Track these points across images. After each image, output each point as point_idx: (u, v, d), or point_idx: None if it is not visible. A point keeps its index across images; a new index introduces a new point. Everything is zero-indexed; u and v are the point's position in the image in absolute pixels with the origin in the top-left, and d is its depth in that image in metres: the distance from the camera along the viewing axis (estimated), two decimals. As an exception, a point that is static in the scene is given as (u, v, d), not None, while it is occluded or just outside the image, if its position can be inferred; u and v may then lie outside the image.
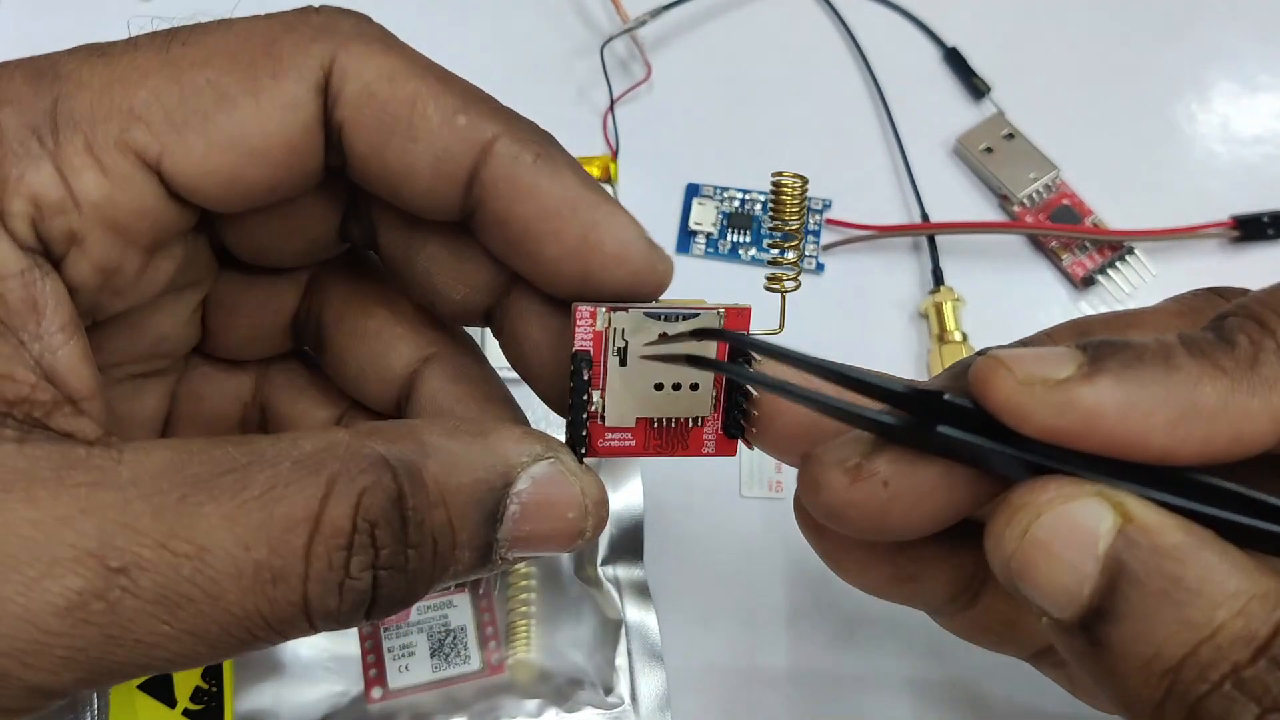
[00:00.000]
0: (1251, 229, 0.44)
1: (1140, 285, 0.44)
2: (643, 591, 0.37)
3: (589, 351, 0.23)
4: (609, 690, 0.36)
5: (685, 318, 0.23)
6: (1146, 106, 0.48)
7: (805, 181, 0.23)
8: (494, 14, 0.50)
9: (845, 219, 0.45)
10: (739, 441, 0.24)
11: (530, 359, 0.25)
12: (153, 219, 0.22)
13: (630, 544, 0.38)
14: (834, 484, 0.21)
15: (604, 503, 0.23)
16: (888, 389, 0.21)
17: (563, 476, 0.22)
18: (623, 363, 0.23)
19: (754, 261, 0.45)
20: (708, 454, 0.24)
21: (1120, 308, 0.43)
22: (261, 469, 0.19)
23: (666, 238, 0.45)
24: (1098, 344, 0.19)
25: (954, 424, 0.20)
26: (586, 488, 0.22)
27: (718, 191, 0.46)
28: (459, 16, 0.49)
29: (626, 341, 0.23)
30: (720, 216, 0.45)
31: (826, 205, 0.45)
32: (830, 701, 0.37)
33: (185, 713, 0.35)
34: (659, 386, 0.23)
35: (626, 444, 0.24)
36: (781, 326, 0.24)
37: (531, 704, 0.36)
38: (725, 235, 0.45)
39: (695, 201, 0.46)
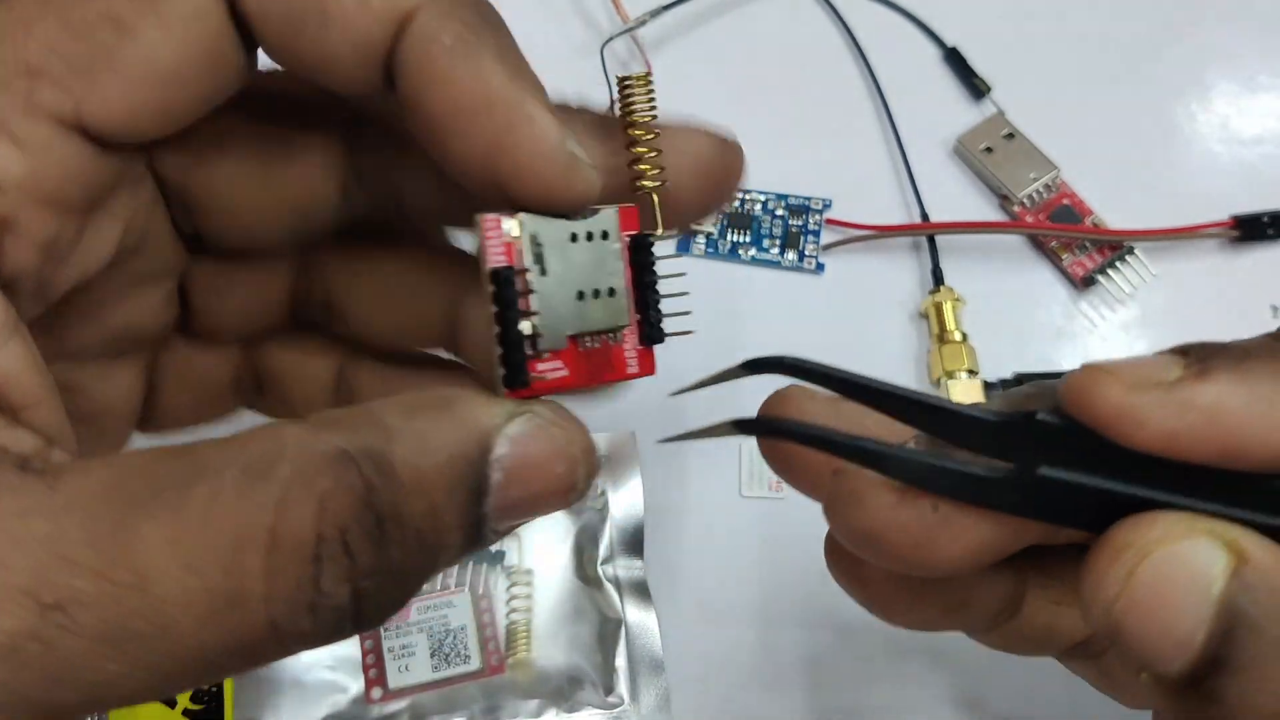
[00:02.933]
0: (1251, 229, 0.44)
1: (1140, 285, 0.44)
2: (643, 591, 0.37)
3: (508, 264, 0.20)
4: (609, 690, 0.36)
5: (587, 216, 0.21)
6: (1146, 106, 0.48)
7: (649, 76, 0.22)
8: (494, 14, 0.50)
9: (845, 219, 0.45)
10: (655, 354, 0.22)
11: None
12: (83, 179, 0.20)
13: (630, 544, 0.38)
14: (878, 502, 0.19)
15: (592, 449, 0.20)
16: (975, 418, 0.18)
17: (543, 430, 0.19)
18: (544, 271, 0.20)
19: (754, 261, 0.45)
20: (632, 374, 0.22)
21: (1120, 307, 0.44)
22: (205, 481, 0.17)
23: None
24: (1197, 346, 0.18)
25: (1049, 463, 0.18)
26: (571, 436, 0.20)
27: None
28: (459, 16, 0.49)
29: (542, 245, 0.20)
30: (720, 216, 0.45)
31: (826, 205, 0.45)
32: (831, 701, 0.37)
33: (185, 713, 0.35)
34: (581, 295, 0.21)
35: (560, 374, 0.21)
36: (658, 227, 0.22)
37: (531, 704, 0.36)
38: (725, 235, 0.45)
39: (695, 201, 0.46)
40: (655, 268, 0.22)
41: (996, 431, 0.19)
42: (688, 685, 0.37)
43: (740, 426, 0.20)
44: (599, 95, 0.47)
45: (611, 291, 0.21)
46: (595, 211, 0.21)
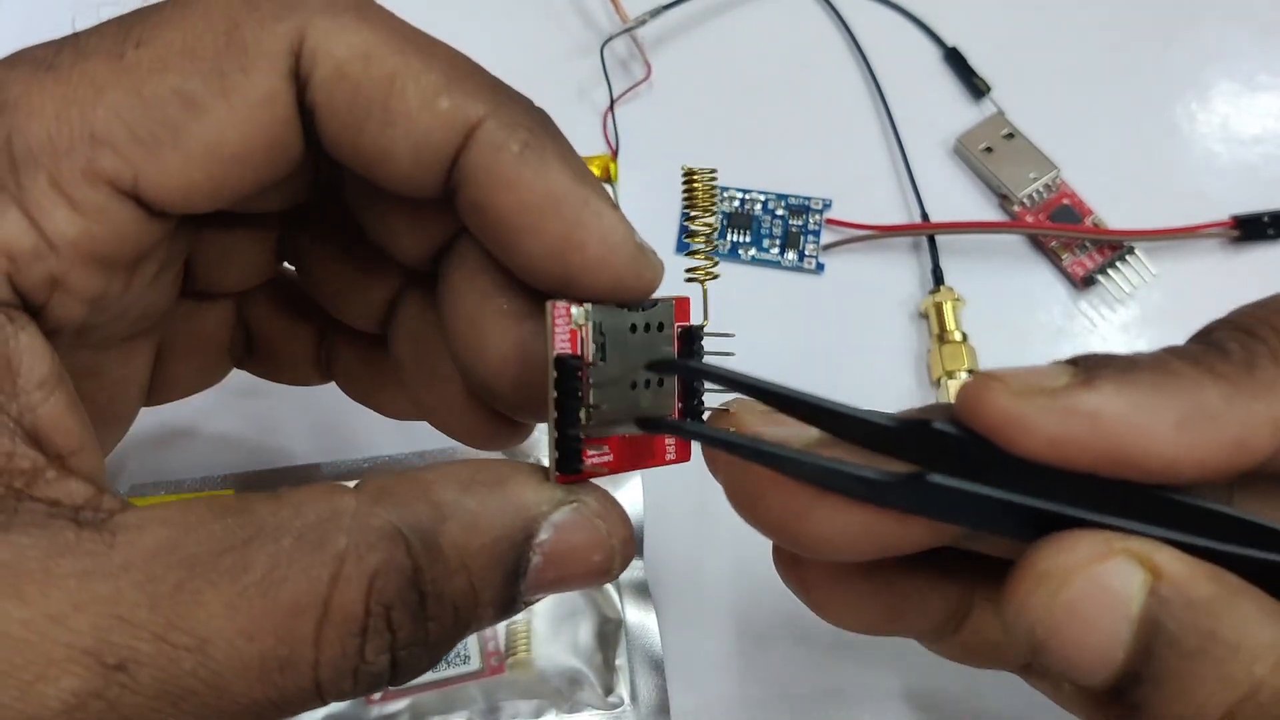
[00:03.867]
0: (1251, 229, 0.44)
1: (1140, 285, 0.44)
2: (643, 591, 0.37)
3: (573, 352, 0.21)
4: (609, 690, 0.36)
5: (646, 308, 0.22)
6: (1146, 106, 0.48)
7: (714, 172, 0.22)
8: (494, 13, 0.50)
9: (845, 219, 0.45)
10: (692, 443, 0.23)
11: (460, 338, 0.23)
12: (134, 241, 0.21)
13: (630, 544, 0.38)
14: (760, 469, 0.20)
15: (631, 540, 0.22)
16: (872, 423, 0.19)
17: (587, 521, 0.21)
18: (605, 359, 0.21)
19: (754, 261, 0.45)
20: (670, 461, 0.23)
21: (1120, 307, 0.44)
22: (262, 546, 0.18)
23: (666, 237, 0.45)
24: (1086, 356, 0.19)
25: (945, 469, 0.19)
26: (612, 528, 0.21)
27: (718, 191, 0.46)
28: (459, 16, 0.49)
29: (605, 335, 0.21)
30: (720, 216, 0.45)
31: (826, 205, 0.45)
32: (831, 701, 0.37)
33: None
34: (634, 384, 0.22)
35: (605, 459, 0.22)
36: (706, 318, 0.23)
37: (531, 704, 0.36)
38: (725, 235, 0.45)
39: (695, 201, 0.46)
40: (703, 358, 0.23)
41: (894, 437, 0.19)
42: (688, 685, 0.37)
43: (642, 424, 0.22)
44: (599, 95, 0.47)
45: (661, 381, 0.22)
46: (654, 303, 0.22)
